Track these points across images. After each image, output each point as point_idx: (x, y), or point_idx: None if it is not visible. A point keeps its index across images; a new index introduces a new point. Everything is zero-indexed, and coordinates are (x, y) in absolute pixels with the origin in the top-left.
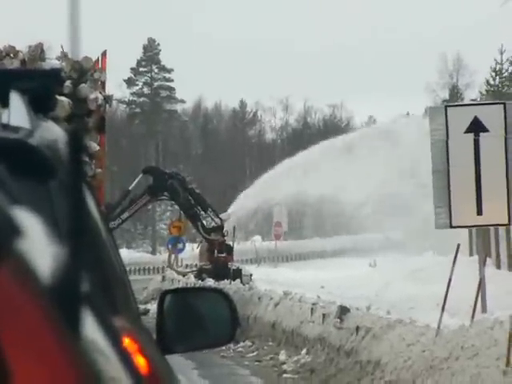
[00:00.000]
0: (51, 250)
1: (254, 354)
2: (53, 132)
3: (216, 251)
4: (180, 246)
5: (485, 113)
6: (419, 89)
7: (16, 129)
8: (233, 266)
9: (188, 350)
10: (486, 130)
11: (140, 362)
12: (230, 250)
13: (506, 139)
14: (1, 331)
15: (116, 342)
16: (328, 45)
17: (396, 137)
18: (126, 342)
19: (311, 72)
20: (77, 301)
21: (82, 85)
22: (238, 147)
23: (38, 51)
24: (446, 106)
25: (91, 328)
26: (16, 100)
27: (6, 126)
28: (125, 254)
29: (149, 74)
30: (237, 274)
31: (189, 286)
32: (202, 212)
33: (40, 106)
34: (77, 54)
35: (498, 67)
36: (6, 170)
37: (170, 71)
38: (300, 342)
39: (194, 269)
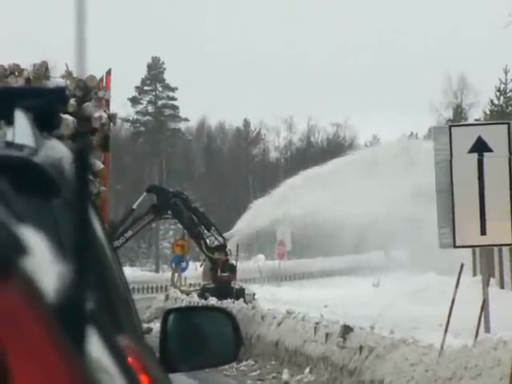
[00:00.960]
0: (56, 268)
1: (257, 372)
2: (57, 150)
3: (219, 270)
4: (183, 264)
5: (489, 133)
6: (424, 107)
7: (21, 147)
8: (236, 285)
9: (191, 368)
10: (489, 150)
11: (143, 380)
12: (233, 269)
13: (510, 159)
14: (6, 348)
15: (120, 360)
16: (332, 63)
17: (401, 157)
18: (130, 360)
19: (315, 90)
20: (81, 319)
21: (87, 103)
22: (242, 166)
23: (43, 69)
24: (450, 126)
25: (95, 346)
26: (21, 118)
27: (10, 144)
28: (128, 272)
29: (153, 93)
30: (240, 294)
31: (192, 305)
32: (206, 231)
33: (45, 124)
34: (83, 72)
35: (502, 87)
36: (10, 188)
37: (174, 90)
38: (303, 361)
39: (198, 288)
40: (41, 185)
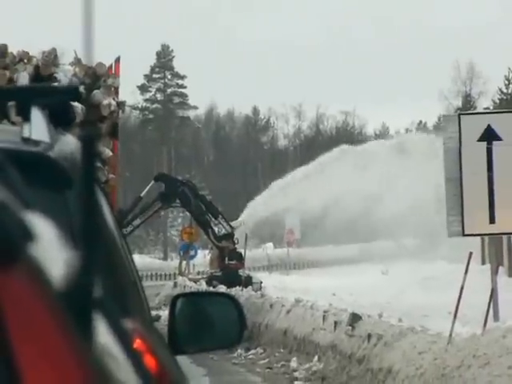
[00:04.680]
0: (64, 254)
1: (266, 361)
2: (71, 145)
3: (226, 258)
4: (192, 252)
5: (498, 121)
6: (433, 96)
7: (37, 142)
8: (244, 273)
9: (198, 351)
10: (499, 139)
11: (150, 361)
12: (240, 257)
13: None
14: (13, 334)
15: (127, 345)
16: (342, 50)
17: (409, 147)
18: (137, 342)
19: (324, 78)
20: (89, 305)
21: (96, 91)
22: (251, 154)
23: (52, 57)
24: (460, 114)
25: (103, 332)
26: (37, 115)
27: (27, 140)
28: (137, 259)
29: (162, 81)
30: (248, 281)
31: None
32: (213, 219)
33: (59, 120)
34: (91, 59)
35: (511, 75)
36: (26, 181)
37: (183, 77)
38: (311, 349)
39: (205, 275)
40: (55, 177)
